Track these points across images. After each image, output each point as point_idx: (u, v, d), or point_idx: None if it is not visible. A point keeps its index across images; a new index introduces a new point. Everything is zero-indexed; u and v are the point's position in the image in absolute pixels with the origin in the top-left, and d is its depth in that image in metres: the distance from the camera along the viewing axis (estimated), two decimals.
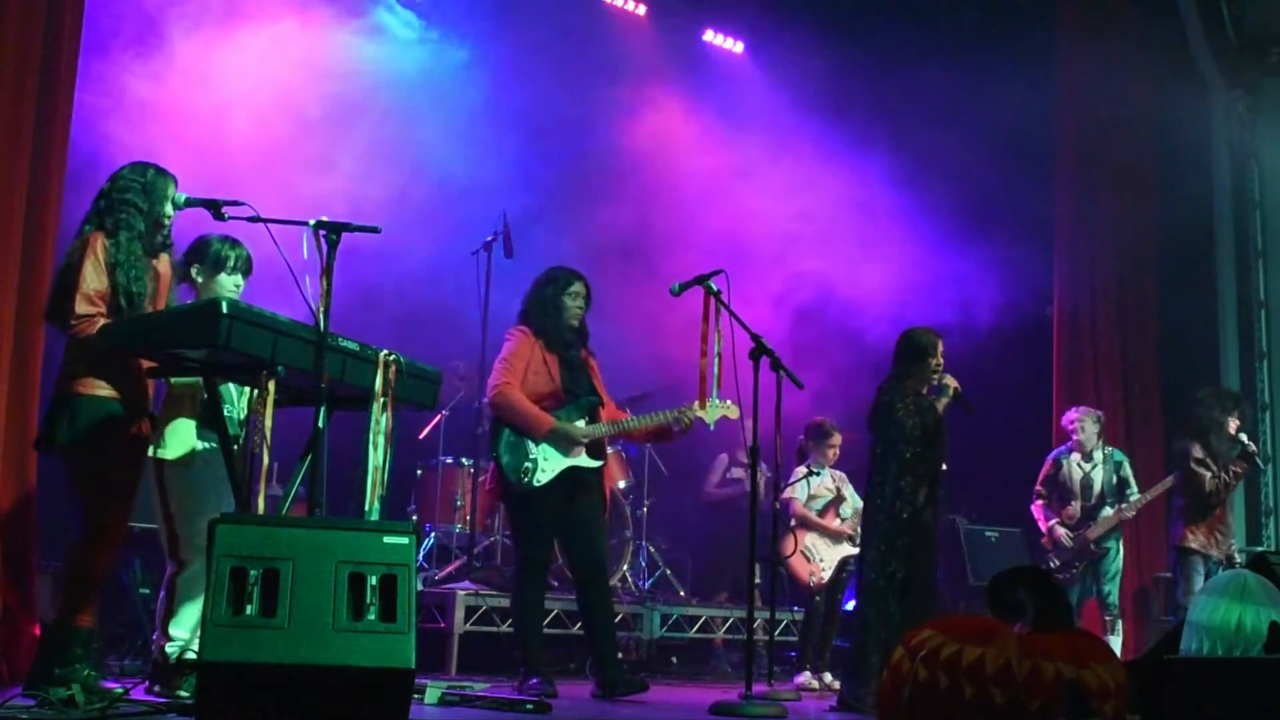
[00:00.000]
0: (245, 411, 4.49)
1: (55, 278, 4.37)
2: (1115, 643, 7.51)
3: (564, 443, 5.63)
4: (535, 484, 5.58)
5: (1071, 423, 7.97)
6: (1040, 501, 7.95)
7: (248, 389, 4.36)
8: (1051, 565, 7.75)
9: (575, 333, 5.83)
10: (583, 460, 5.68)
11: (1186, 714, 3.35)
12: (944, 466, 5.82)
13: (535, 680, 5.40)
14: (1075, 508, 7.83)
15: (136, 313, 4.22)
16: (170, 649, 4.43)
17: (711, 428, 5.85)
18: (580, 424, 5.69)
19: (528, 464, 5.59)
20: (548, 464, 5.60)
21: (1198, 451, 7.66)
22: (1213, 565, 7.50)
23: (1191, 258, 10.03)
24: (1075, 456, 7.93)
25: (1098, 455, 7.91)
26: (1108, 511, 7.77)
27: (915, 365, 5.79)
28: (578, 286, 5.80)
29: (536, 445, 5.62)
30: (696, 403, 5.62)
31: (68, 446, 4.18)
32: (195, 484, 4.45)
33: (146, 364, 4.23)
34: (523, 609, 5.67)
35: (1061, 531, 7.79)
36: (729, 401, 5.80)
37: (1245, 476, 7.95)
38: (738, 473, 8.89)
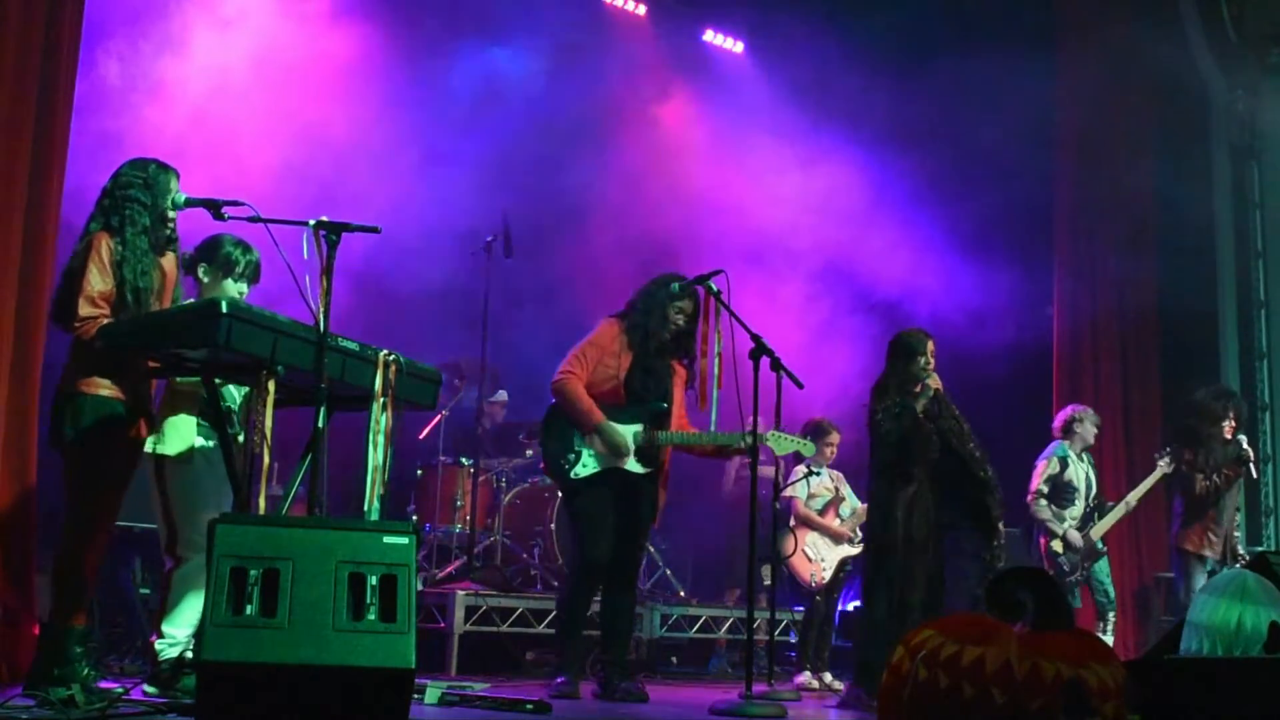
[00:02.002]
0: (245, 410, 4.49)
1: (61, 278, 4.36)
2: (1108, 641, 7.43)
3: (604, 446, 5.55)
4: (575, 476, 5.55)
5: (1077, 419, 7.71)
6: (1045, 502, 7.52)
7: (248, 388, 4.36)
8: (1063, 569, 7.42)
9: (665, 343, 5.70)
10: (629, 464, 5.58)
11: (1186, 714, 3.35)
12: (982, 456, 5.76)
13: (562, 679, 5.45)
14: (1082, 505, 7.60)
15: (144, 308, 4.23)
16: (159, 645, 4.42)
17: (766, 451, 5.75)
18: (636, 428, 5.58)
19: (570, 454, 5.58)
20: (589, 459, 5.56)
21: (1189, 455, 7.63)
22: (1212, 565, 7.47)
23: (1191, 257, 10.03)
24: (1074, 454, 7.68)
25: (1085, 455, 7.77)
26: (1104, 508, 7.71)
27: (902, 367, 5.80)
28: (684, 304, 5.66)
29: (583, 438, 5.59)
30: (772, 431, 5.52)
31: (70, 443, 4.19)
32: (195, 482, 4.45)
33: (150, 363, 4.23)
34: (570, 610, 5.64)
35: (1075, 534, 7.50)
36: (805, 440, 5.85)
37: (1239, 479, 7.81)
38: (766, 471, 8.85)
